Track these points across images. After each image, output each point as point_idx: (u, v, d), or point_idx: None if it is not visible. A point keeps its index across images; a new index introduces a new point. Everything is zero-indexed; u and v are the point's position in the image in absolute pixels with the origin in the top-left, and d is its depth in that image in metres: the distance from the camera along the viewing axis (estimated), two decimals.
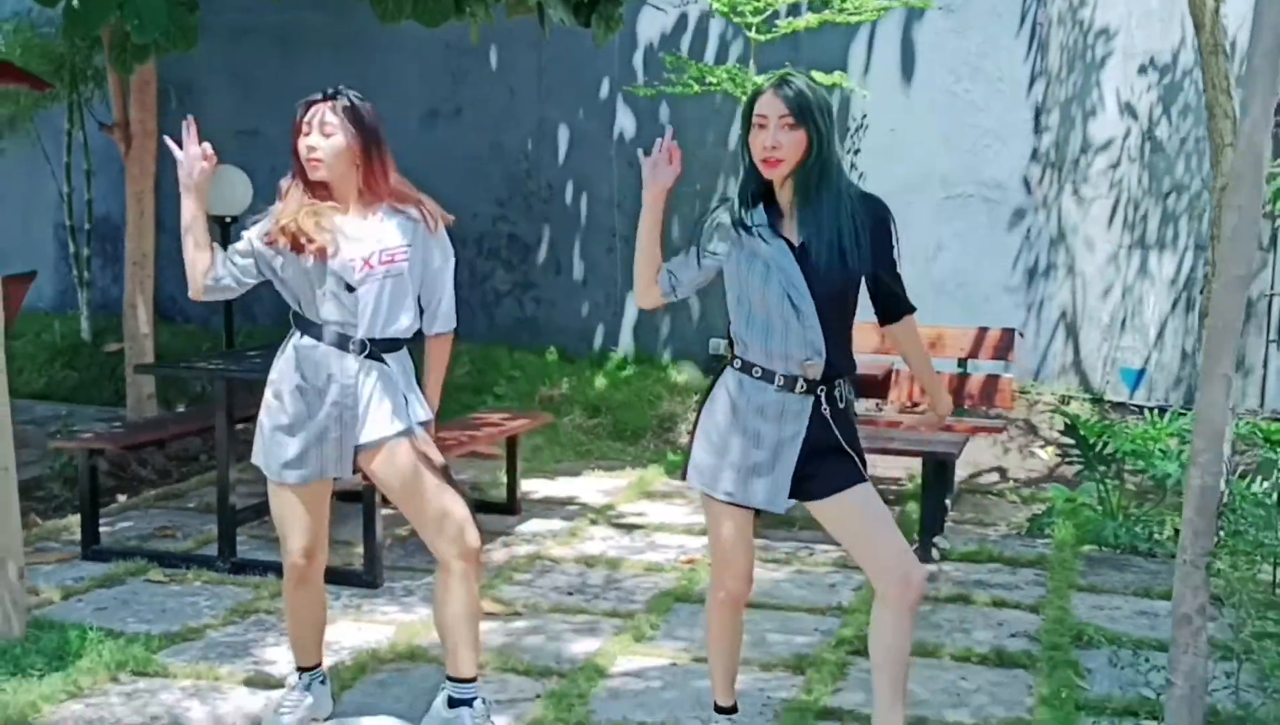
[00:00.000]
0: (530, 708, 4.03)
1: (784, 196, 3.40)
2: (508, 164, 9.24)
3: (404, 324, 3.69)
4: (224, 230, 8.25)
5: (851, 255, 3.31)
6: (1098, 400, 7.86)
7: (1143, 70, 7.65)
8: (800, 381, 3.36)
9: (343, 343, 3.62)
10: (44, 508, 6.44)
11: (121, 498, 6.63)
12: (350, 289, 3.60)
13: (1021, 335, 8.06)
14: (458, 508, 3.66)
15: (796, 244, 3.35)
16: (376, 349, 3.63)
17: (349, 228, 3.65)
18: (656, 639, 4.70)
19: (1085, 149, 7.89)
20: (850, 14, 7.23)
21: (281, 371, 3.68)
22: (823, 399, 3.38)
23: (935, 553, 5.79)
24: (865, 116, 8.34)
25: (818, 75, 6.98)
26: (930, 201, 8.25)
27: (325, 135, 3.62)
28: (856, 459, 3.45)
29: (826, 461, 3.39)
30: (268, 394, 3.69)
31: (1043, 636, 4.74)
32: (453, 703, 3.72)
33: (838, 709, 4.07)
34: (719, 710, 3.69)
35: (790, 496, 3.47)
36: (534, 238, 9.23)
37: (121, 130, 7.58)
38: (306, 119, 3.65)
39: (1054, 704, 4.06)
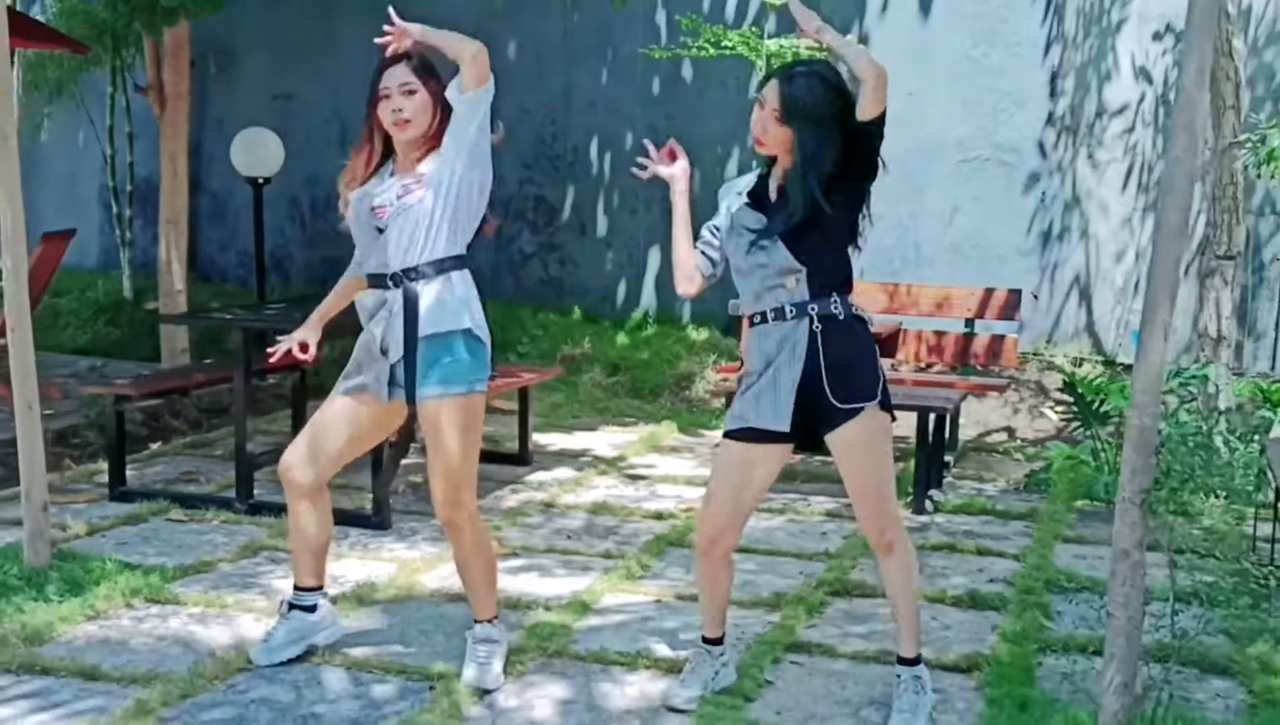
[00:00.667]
0: (514, 637, 4.24)
1: (777, 173, 3.59)
2: (534, 127, 9.43)
3: (429, 250, 3.74)
4: (256, 191, 8.53)
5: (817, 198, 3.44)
6: (1110, 362, 7.95)
7: (1158, 36, 7.70)
8: (788, 308, 3.50)
9: (380, 282, 3.79)
10: (79, 454, 6.73)
11: (154, 446, 6.91)
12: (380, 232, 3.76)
13: (1035, 297, 8.18)
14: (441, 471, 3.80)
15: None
16: (405, 279, 3.73)
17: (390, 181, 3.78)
18: (644, 579, 4.90)
19: (1100, 113, 7.96)
20: None
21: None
22: (814, 317, 3.50)
23: (929, 505, 5.94)
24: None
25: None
26: (947, 165, 8.36)
27: (409, 94, 3.73)
28: (861, 380, 3.50)
29: (828, 393, 3.48)
30: None
31: (1018, 581, 4.89)
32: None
33: (807, 643, 4.24)
34: (704, 640, 3.87)
35: (809, 432, 3.57)
36: (559, 200, 9.43)
37: (156, 93, 7.85)
38: (384, 85, 3.73)
39: (1014, 641, 4.22)
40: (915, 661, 3.69)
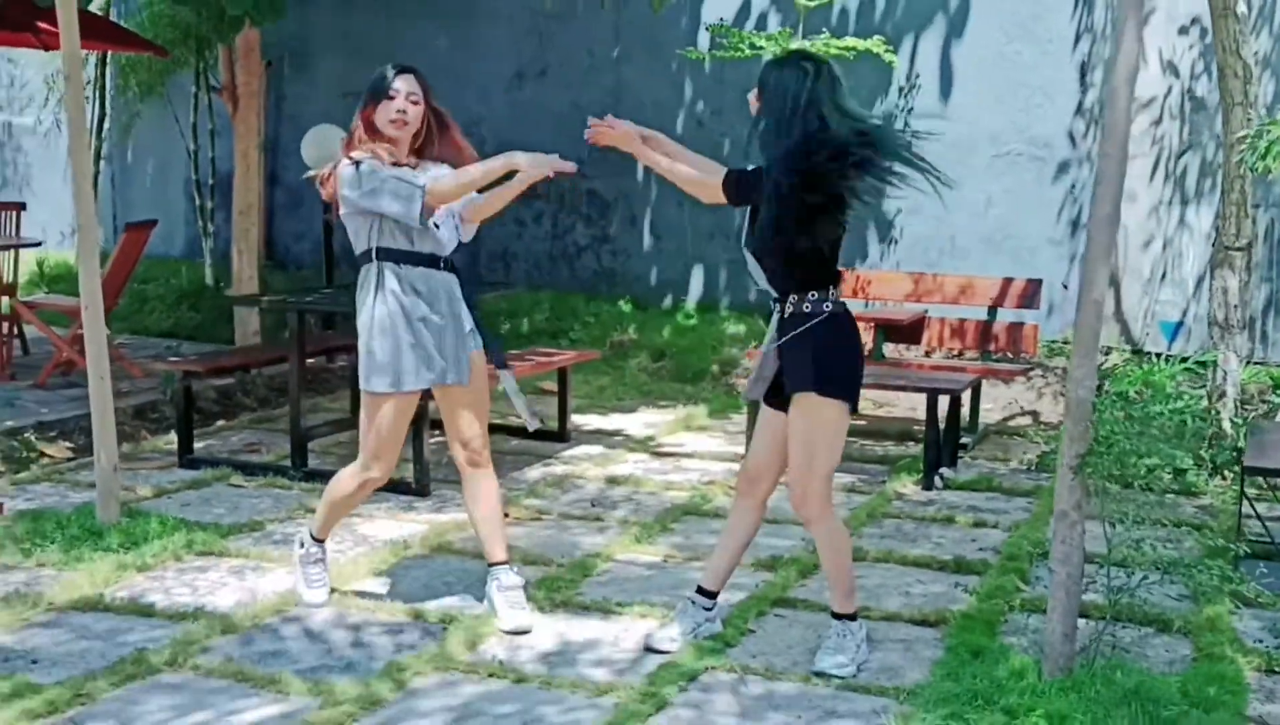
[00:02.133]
0: (531, 588, 4.66)
1: None
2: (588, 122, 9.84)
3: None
4: None
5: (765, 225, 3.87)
6: (1137, 351, 8.17)
7: (1184, 30, 7.91)
8: (771, 296, 4.00)
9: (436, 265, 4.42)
10: (154, 427, 7.29)
11: (212, 423, 7.46)
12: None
13: (1065, 287, 8.42)
14: None
15: None
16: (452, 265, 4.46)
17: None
18: (656, 542, 5.30)
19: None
20: None
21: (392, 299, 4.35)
22: (782, 308, 3.96)
23: (939, 482, 6.26)
24: (918, 77, 8.74)
25: (854, 41, 7.45)
26: (981, 159, 8.63)
27: (414, 103, 4.34)
28: (805, 370, 3.90)
29: (787, 371, 3.95)
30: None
31: (1004, 549, 5.21)
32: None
33: (793, 598, 4.61)
34: (699, 591, 4.25)
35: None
36: (612, 194, 9.84)
37: (229, 92, 8.39)
38: (394, 87, 4.32)
39: (984, 599, 4.55)
40: (845, 617, 4.06)
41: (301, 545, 4.59)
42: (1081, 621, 3.92)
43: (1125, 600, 3.97)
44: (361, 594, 4.60)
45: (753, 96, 4.01)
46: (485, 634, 4.23)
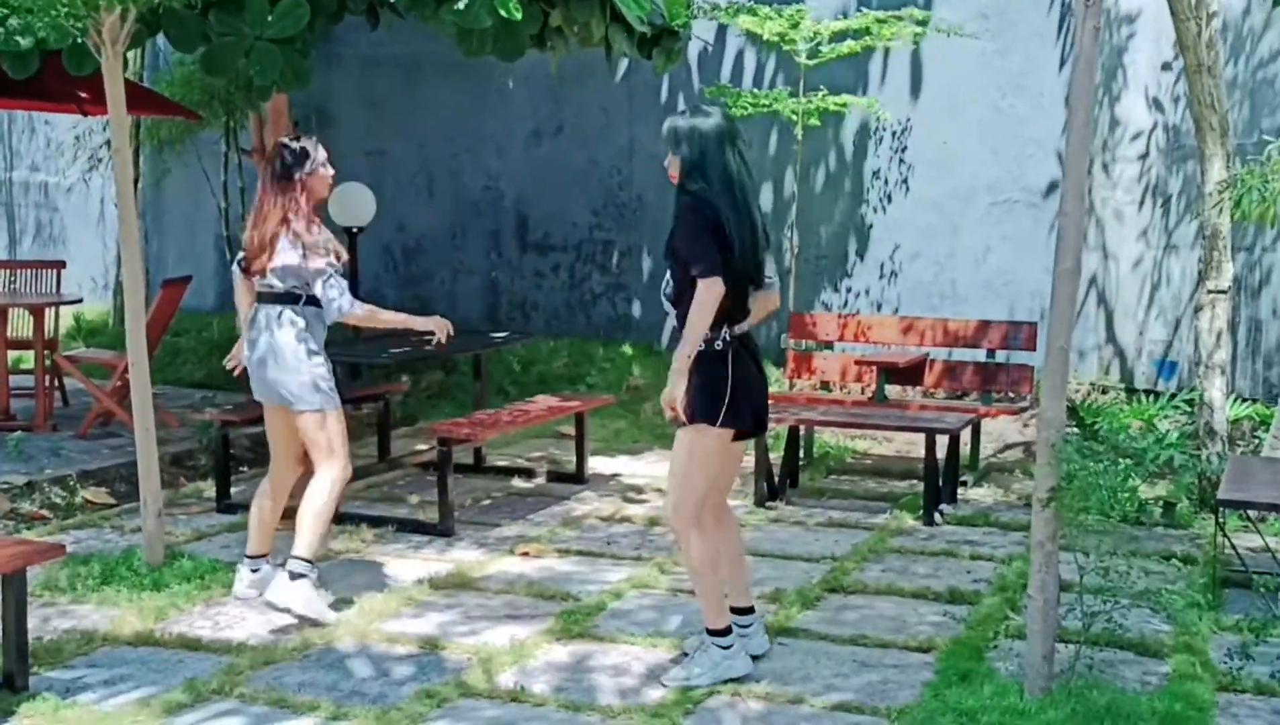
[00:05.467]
0: (549, 620, 5.00)
1: None
2: (602, 177, 10.26)
3: None
4: (351, 240, 9.45)
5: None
6: (1132, 390, 8.48)
7: (1167, 66, 8.26)
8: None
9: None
10: (192, 474, 7.66)
11: (244, 469, 7.82)
12: None
13: None
14: None
15: None
16: None
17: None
18: (669, 576, 5.63)
19: (1110, 153, 8.54)
20: (884, 40, 8.04)
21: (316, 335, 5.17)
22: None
23: (938, 518, 6.57)
24: (909, 131, 9.12)
25: (850, 99, 7.84)
26: (979, 207, 8.99)
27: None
28: (688, 407, 4.25)
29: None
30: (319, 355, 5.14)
31: (997, 581, 5.52)
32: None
33: (795, 628, 4.93)
34: (734, 611, 4.55)
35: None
36: (625, 245, 10.23)
37: (259, 154, 8.81)
38: (327, 166, 5.20)
39: (974, 626, 4.86)
40: (713, 632, 4.38)
41: (300, 576, 4.96)
42: (1061, 646, 4.24)
43: (1102, 626, 4.28)
44: (387, 629, 4.93)
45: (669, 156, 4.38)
46: (505, 664, 4.56)
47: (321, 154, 5.20)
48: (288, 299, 5.09)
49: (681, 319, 4.27)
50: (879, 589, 5.45)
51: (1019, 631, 4.80)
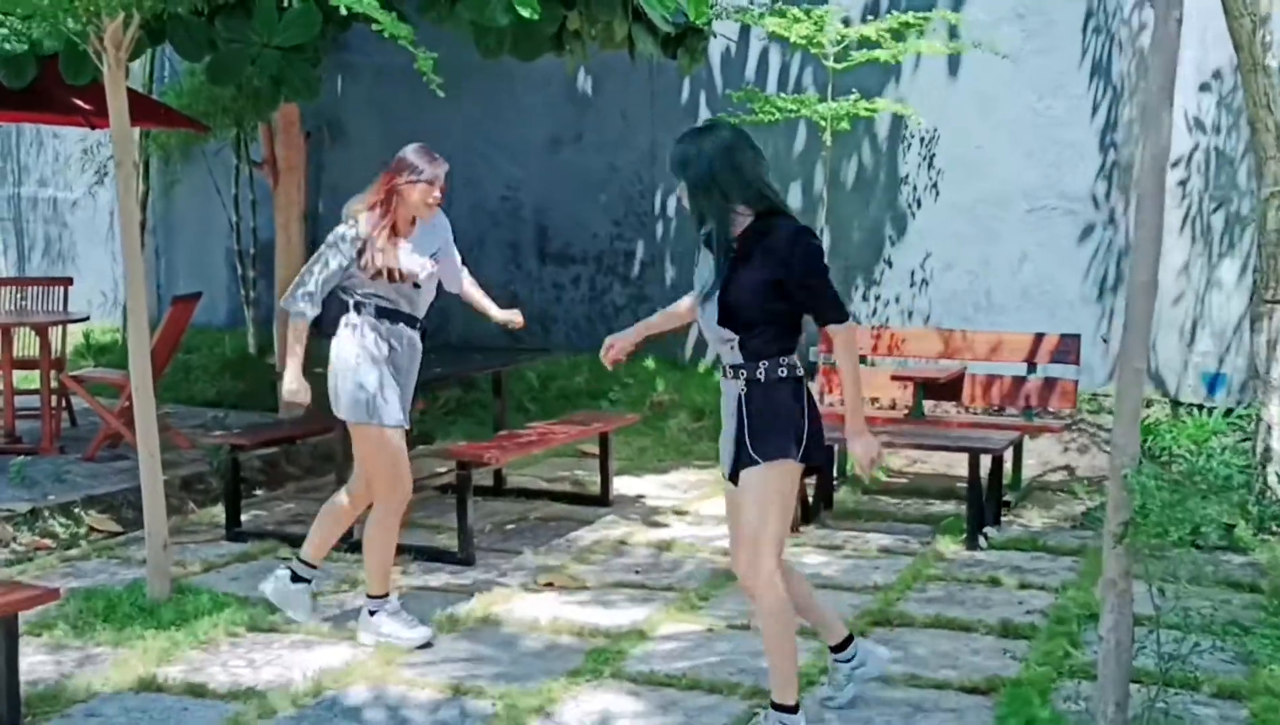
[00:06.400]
0: (576, 660, 4.69)
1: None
2: (623, 186, 9.96)
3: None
4: None
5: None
6: (1176, 403, 8.14)
7: (1205, 87, 7.93)
8: (726, 368, 3.92)
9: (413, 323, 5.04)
10: (202, 498, 7.37)
11: (260, 492, 7.53)
12: (416, 287, 5.02)
13: (1105, 341, 8.41)
14: None
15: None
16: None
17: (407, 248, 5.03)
18: (701, 611, 5.31)
19: None
20: (912, 51, 7.74)
21: (373, 345, 4.90)
22: (744, 380, 3.87)
23: (982, 541, 6.24)
24: (940, 135, 8.80)
25: (882, 103, 7.55)
26: (1015, 213, 8.66)
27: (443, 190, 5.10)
28: (756, 443, 3.81)
29: (740, 444, 3.87)
30: (366, 363, 4.91)
31: (1053, 613, 5.18)
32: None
33: None
34: (832, 649, 4.24)
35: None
36: (647, 255, 9.93)
37: (270, 166, 8.53)
38: (437, 176, 5.10)
39: (1035, 666, 4.53)
40: (781, 708, 3.89)
41: (373, 613, 4.91)
42: (1133, 687, 3.90)
43: (1179, 668, 3.95)
44: (404, 673, 4.62)
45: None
46: (531, 712, 4.25)
47: (430, 170, 5.05)
48: (349, 303, 4.96)
49: (747, 352, 3.85)
50: (927, 622, 5.13)
51: (1083, 671, 4.48)
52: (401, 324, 4.99)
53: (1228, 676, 4.43)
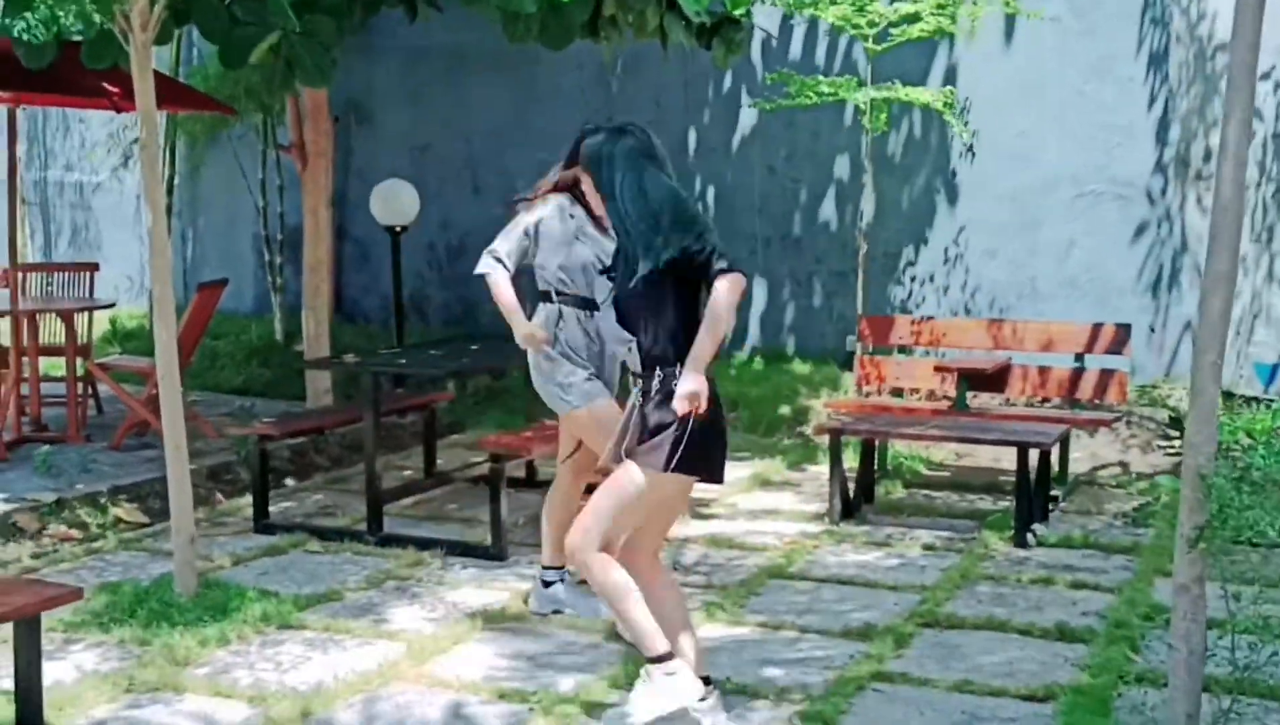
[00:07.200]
0: (611, 668, 4.51)
1: None
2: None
3: None
4: (394, 239, 9.02)
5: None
6: (1229, 395, 7.90)
7: (1265, 76, 7.68)
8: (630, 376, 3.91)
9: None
10: (230, 488, 7.24)
11: (289, 482, 7.38)
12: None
13: (1153, 331, 8.19)
14: None
15: None
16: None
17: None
18: (740, 611, 5.13)
19: (1209, 155, 7.97)
20: (953, 21, 7.52)
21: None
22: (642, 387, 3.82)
23: (1031, 539, 6.04)
24: (984, 119, 8.57)
25: (923, 90, 7.38)
26: (1062, 199, 8.43)
27: None
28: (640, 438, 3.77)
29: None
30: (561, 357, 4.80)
31: (1111, 615, 4.99)
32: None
33: (892, 672, 4.42)
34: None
35: None
36: None
37: (298, 151, 8.38)
38: None
39: (1095, 672, 4.34)
40: (654, 659, 3.82)
41: (547, 584, 5.04)
42: (1202, 696, 3.71)
43: (1247, 675, 3.76)
44: (438, 673, 4.47)
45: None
46: (570, 714, 4.09)
47: None
48: (544, 293, 4.93)
49: (649, 358, 3.77)
50: (978, 623, 4.94)
51: (1147, 678, 4.29)
52: (571, 304, 4.94)
53: None
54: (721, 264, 3.70)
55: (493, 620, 5.00)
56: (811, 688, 4.29)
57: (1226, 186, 3.44)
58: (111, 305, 9.45)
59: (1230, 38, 3.45)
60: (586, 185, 4.14)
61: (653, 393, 3.76)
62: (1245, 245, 7.90)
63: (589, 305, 4.84)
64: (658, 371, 3.76)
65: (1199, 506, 3.53)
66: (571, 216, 4.84)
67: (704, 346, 3.69)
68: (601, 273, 4.43)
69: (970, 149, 8.64)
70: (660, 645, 3.83)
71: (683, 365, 3.70)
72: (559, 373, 4.85)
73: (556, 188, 4.83)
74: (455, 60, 10.29)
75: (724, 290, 3.67)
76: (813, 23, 8.80)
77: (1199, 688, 3.62)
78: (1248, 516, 3.36)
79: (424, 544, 5.95)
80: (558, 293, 4.89)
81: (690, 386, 3.66)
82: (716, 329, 3.69)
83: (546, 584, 5.07)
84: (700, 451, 3.77)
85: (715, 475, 3.90)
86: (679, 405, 3.66)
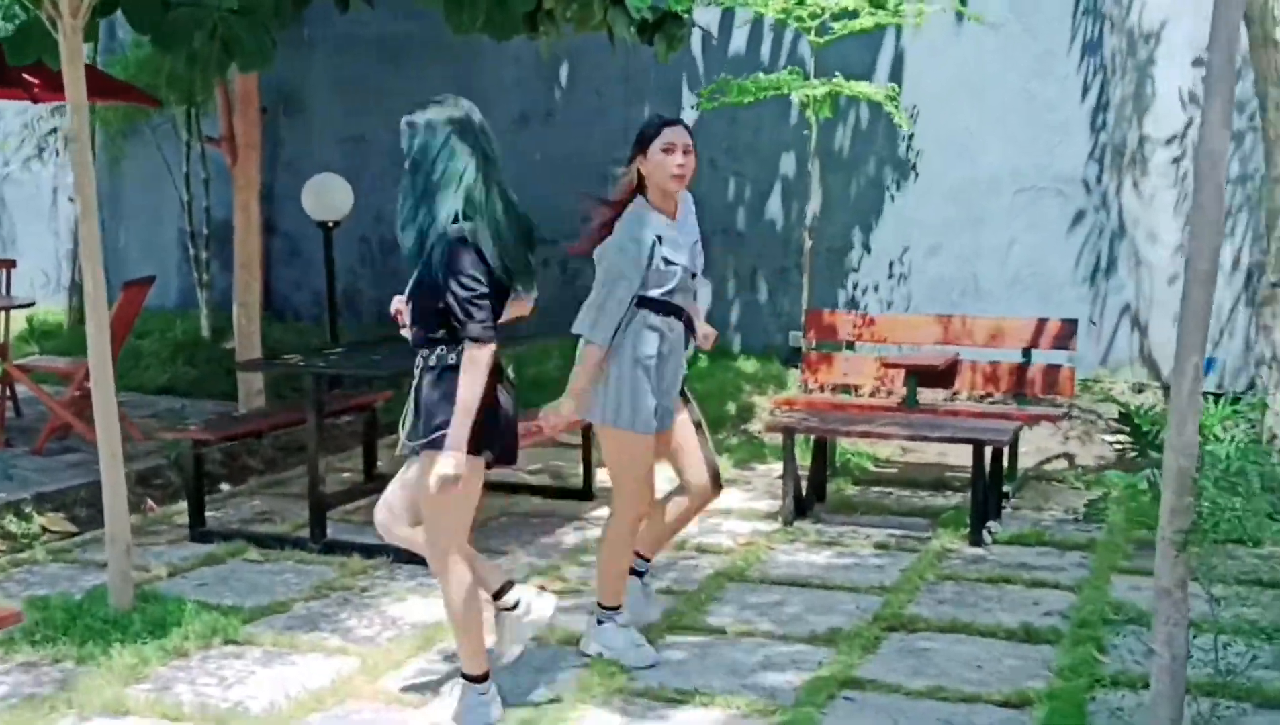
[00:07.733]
0: (580, 674, 4.38)
1: None
2: (595, 166, 9.59)
3: None
4: (326, 234, 8.77)
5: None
6: (1168, 387, 7.94)
7: (1199, 62, 7.73)
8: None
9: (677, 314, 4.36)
10: (160, 494, 6.98)
11: (224, 486, 7.14)
12: (694, 276, 4.37)
13: (1094, 323, 8.21)
14: None
15: None
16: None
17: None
18: (703, 617, 5.01)
19: (1143, 142, 8.01)
20: (895, 16, 7.46)
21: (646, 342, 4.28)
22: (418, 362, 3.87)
23: (987, 536, 6.00)
24: (927, 116, 8.54)
25: (866, 85, 7.35)
26: (1004, 197, 8.43)
27: (688, 155, 4.21)
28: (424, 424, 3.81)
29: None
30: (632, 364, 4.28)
31: (1073, 615, 4.94)
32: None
33: (861, 678, 4.33)
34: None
35: None
36: None
37: (228, 143, 8.10)
38: (670, 141, 4.20)
39: (1067, 676, 4.28)
40: (467, 677, 3.92)
41: (600, 623, 4.52)
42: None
43: (1229, 679, 3.72)
44: (393, 689, 4.30)
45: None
46: None
47: (667, 134, 4.24)
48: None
49: (423, 342, 3.84)
50: (942, 626, 4.87)
51: (1120, 681, 4.24)
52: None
53: (1270, 685, 4.20)
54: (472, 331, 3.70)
55: (445, 632, 4.83)
56: (781, 696, 4.19)
57: (1206, 189, 3.37)
58: (31, 304, 9.11)
59: (1209, 40, 3.38)
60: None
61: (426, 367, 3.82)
62: (1183, 236, 7.96)
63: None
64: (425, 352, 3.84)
65: (1181, 510, 3.47)
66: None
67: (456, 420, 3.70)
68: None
69: (911, 143, 8.60)
70: (481, 668, 3.92)
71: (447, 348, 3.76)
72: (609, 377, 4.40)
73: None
74: (390, 50, 10.05)
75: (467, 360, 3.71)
76: (758, 18, 8.70)
77: (1182, 692, 3.56)
78: (1237, 520, 3.30)
79: (369, 551, 5.75)
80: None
81: (442, 468, 3.67)
82: (464, 408, 3.71)
83: (600, 622, 4.58)
84: (507, 431, 3.89)
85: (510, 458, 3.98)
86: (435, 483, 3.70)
